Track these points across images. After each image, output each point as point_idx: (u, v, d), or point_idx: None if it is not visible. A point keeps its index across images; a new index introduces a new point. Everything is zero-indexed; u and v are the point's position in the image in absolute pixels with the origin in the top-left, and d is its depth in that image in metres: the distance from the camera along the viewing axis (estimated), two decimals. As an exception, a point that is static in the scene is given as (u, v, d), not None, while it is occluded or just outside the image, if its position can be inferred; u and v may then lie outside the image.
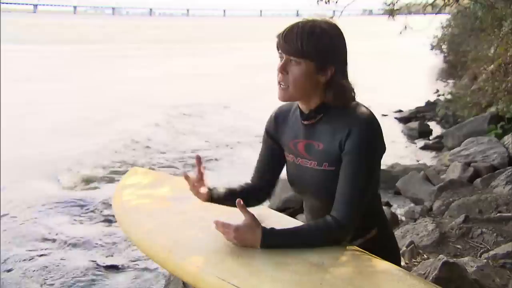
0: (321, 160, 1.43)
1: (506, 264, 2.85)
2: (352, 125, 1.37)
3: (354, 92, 1.43)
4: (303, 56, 1.38)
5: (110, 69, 18.38)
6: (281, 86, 1.42)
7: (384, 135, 1.42)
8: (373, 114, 1.41)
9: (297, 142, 1.50)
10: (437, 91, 9.87)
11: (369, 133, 1.38)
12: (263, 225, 1.39)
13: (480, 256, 3.08)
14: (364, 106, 1.43)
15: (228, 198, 1.56)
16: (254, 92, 13.05)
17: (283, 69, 1.41)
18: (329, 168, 1.42)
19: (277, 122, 1.56)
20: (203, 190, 1.53)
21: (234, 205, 1.46)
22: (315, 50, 1.37)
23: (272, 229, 1.39)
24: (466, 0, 6.93)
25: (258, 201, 1.64)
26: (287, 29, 1.40)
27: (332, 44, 1.40)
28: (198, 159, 1.54)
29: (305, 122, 1.47)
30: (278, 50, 1.43)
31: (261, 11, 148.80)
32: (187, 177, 1.51)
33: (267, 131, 1.60)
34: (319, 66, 1.39)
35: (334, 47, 1.41)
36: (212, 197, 1.55)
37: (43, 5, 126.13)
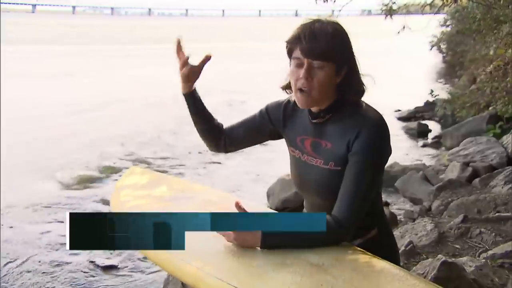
0: (327, 159, 1.43)
1: (504, 263, 2.86)
2: (362, 127, 1.36)
3: (364, 86, 1.43)
4: (328, 59, 1.35)
5: (111, 68, 18.32)
6: (304, 91, 1.38)
7: None
8: (382, 117, 1.40)
9: (304, 138, 1.49)
10: (432, 91, 9.86)
11: (378, 136, 1.37)
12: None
13: (479, 256, 3.08)
14: (374, 108, 1.42)
15: (200, 107, 1.58)
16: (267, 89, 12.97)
17: (309, 75, 1.36)
18: (335, 167, 1.41)
19: (286, 112, 1.54)
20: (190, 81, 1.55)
21: (198, 118, 1.57)
22: (339, 52, 1.35)
23: (272, 229, 1.38)
24: (464, 0, 6.91)
25: (209, 138, 1.64)
26: (308, 32, 1.35)
27: (348, 44, 1.40)
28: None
29: (314, 121, 1.46)
30: (291, 54, 1.39)
31: (260, 11, 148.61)
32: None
33: (269, 114, 1.58)
34: (338, 68, 1.37)
35: (349, 47, 1.40)
36: (193, 92, 1.56)
37: (42, 5, 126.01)
